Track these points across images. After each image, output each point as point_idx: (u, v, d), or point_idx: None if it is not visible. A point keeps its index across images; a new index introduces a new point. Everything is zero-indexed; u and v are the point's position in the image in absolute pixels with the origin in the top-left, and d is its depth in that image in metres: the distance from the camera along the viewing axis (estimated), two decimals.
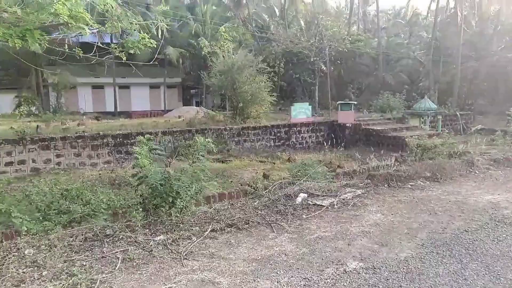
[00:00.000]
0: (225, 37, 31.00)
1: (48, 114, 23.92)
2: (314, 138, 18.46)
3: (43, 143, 12.34)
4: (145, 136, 6.83)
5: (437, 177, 8.77)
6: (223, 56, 18.00)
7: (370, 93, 35.90)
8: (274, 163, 14.62)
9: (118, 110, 33.04)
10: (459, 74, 29.49)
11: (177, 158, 14.10)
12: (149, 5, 36.02)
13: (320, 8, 38.43)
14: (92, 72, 31.92)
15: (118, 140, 13.34)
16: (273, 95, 18.49)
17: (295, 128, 17.85)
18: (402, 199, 7.30)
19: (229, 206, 6.71)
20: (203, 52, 29.34)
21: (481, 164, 9.89)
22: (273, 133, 17.19)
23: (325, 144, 18.18)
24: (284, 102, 33.19)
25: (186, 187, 6.08)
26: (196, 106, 34.31)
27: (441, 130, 22.14)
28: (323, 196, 7.26)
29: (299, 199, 6.93)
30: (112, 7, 6.82)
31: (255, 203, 6.86)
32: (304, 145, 18.07)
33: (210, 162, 14.21)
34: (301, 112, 18.26)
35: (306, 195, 7.20)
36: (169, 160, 12.72)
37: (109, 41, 31.40)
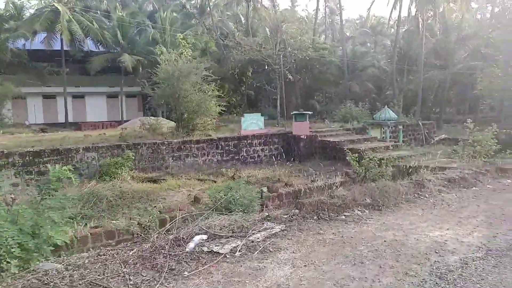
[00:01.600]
0: (183, 44, 29.39)
1: None
2: (267, 151, 16.91)
3: None
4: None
5: (379, 204, 7.27)
6: (165, 63, 16.26)
7: (337, 102, 34.87)
8: (215, 182, 12.96)
9: (72, 120, 30.72)
10: (422, 82, 28.70)
11: (100, 178, 12.26)
12: (108, 13, 34.04)
13: (286, 17, 37.31)
14: (40, 82, 29.64)
15: (28, 158, 11.37)
16: (221, 105, 16.86)
17: (245, 141, 16.26)
18: (328, 238, 5.73)
19: (92, 259, 4.94)
20: (159, 60, 27.57)
21: (432, 185, 8.47)
22: (220, 146, 15.53)
23: (279, 157, 16.66)
24: (251, 111, 31.64)
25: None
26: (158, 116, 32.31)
27: (402, 141, 21.04)
28: (228, 237, 5.60)
29: (191, 245, 5.24)
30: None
31: (132, 251, 5.13)
32: (256, 159, 16.48)
33: (138, 182, 12.45)
34: (252, 123, 16.71)
35: (205, 236, 5.53)
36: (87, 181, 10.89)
37: (58, 48, 29.26)
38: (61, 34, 27.22)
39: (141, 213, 9.33)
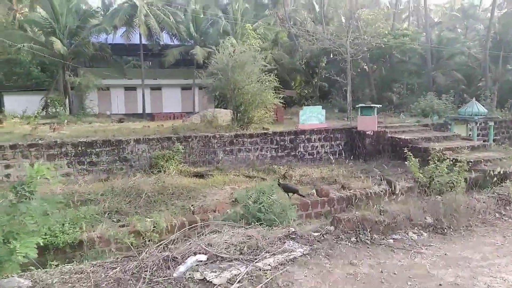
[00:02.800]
0: (252, 34, 28.60)
1: (65, 116, 23.05)
2: (327, 148, 15.34)
3: None
4: None
5: (443, 226, 5.56)
6: (221, 53, 15.45)
7: (418, 94, 31.35)
8: (264, 179, 11.89)
9: (150, 111, 31.89)
10: None
11: (149, 170, 11.91)
12: (184, 6, 34.56)
13: (363, 3, 34.53)
14: (121, 75, 31.09)
15: (80, 149, 11.39)
16: (279, 98, 15.61)
17: (303, 136, 14.87)
18: (361, 272, 4.32)
19: (65, 277, 4.17)
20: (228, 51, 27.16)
21: None
22: (275, 141, 14.39)
23: (341, 155, 15.06)
24: (321, 103, 29.89)
25: None
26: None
27: (493, 140, 17.90)
28: (232, 260, 4.49)
29: (181, 269, 4.22)
30: None
31: (113, 271, 4.27)
32: (314, 156, 15.03)
33: (185, 176, 11.85)
34: (311, 117, 15.22)
35: (203, 257, 4.48)
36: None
37: (137, 42, 30.36)
38: (139, 28, 28.12)
39: (176, 211, 8.62)
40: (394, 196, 7.18)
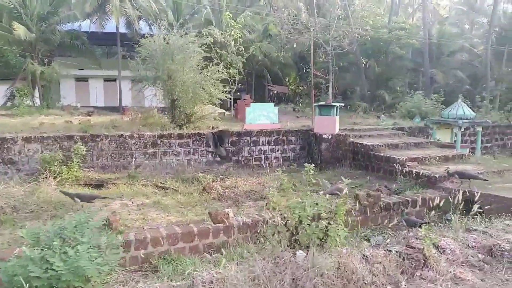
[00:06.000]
0: (232, 24, 26.31)
1: (23, 108, 21.19)
2: (279, 152, 12.99)
3: None
4: None
5: None
6: (149, 39, 13.10)
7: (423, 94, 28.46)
8: (177, 191, 9.65)
9: (131, 105, 29.91)
10: None
11: (41, 176, 9.76)
12: None
13: None
14: (98, 65, 29.13)
15: None
16: (227, 91, 13.28)
17: (248, 138, 12.54)
18: None
19: None
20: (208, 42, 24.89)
21: (447, 262, 4.01)
22: (212, 144, 12.10)
23: (298, 161, 12.76)
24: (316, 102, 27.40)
25: None
26: None
27: (482, 149, 15.25)
28: None
29: None
30: None
31: None
32: (262, 161, 12.68)
33: (80, 185, 9.68)
34: (261, 115, 12.87)
35: None
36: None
37: (114, 30, 28.34)
38: (112, 15, 26.06)
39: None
40: None
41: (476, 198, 6.07)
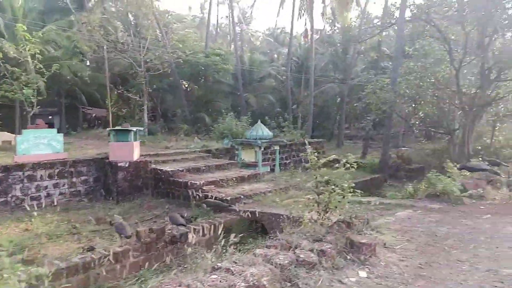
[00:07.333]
0: (26, 37, 22.62)
1: None
2: (66, 187, 11.05)
3: None
4: None
5: None
6: None
7: (232, 116, 29.97)
8: None
9: None
10: (313, 95, 24.74)
11: None
12: None
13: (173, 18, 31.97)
14: None
15: None
16: None
17: (21, 173, 10.21)
18: None
19: None
20: None
21: None
22: None
23: (92, 196, 10.94)
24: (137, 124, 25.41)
25: None
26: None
27: (281, 166, 16.46)
28: None
29: None
30: None
31: None
32: (42, 200, 10.46)
33: None
34: (39, 144, 10.73)
35: None
36: None
37: None
38: None
39: None
40: None
41: (258, 217, 5.91)
